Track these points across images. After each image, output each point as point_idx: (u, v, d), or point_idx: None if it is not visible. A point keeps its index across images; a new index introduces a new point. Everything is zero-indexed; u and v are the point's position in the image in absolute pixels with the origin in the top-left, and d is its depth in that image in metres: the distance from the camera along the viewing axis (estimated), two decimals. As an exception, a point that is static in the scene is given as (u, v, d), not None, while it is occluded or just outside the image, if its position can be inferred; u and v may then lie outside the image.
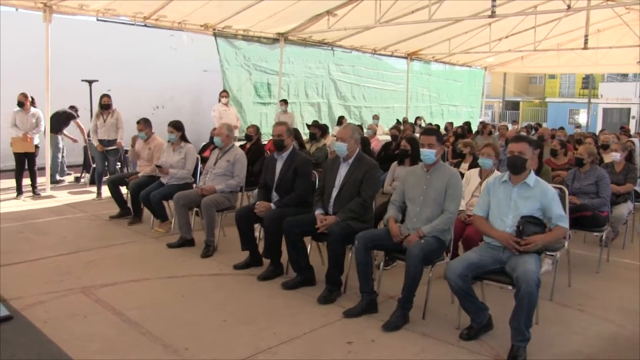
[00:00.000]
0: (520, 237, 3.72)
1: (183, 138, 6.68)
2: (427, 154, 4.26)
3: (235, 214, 5.42)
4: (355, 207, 4.57)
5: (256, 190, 6.26)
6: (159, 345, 3.67)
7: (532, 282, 3.44)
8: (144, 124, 7.14)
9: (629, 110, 32.74)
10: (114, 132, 8.51)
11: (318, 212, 4.74)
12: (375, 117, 14.89)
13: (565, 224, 3.81)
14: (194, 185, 6.49)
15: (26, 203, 8.23)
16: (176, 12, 10.23)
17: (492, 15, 9.67)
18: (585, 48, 12.67)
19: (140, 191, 6.60)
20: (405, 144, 5.85)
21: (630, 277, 5.42)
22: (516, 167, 3.86)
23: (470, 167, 6.34)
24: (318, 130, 9.12)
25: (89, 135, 9.28)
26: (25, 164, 8.60)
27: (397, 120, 15.04)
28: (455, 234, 4.48)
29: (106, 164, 8.57)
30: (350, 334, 3.89)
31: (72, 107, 10.40)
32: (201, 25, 11.31)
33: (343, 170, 4.73)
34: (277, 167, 5.28)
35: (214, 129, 8.75)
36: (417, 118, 16.22)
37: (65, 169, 10.40)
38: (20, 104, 8.57)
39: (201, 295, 4.63)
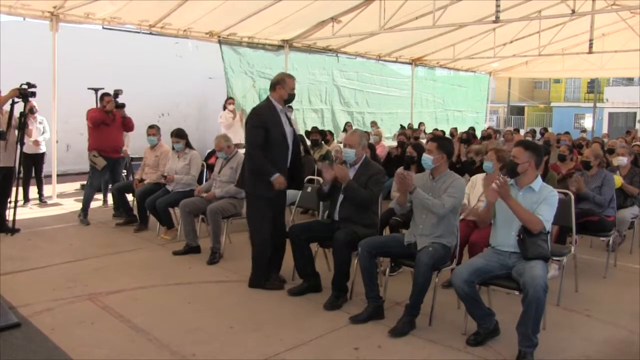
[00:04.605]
0: (522, 246, 3.73)
1: (187, 145, 6.73)
2: (424, 159, 4.36)
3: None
4: (363, 193, 4.55)
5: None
6: (166, 352, 3.68)
7: (540, 288, 3.43)
8: (157, 130, 7.25)
9: (634, 114, 32.59)
10: (120, 139, 8.54)
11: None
12: (373, 124, 14.73)
13: (545, 224, 3.73)
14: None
15: (33, 211, 8.28)
16: (181, 20, 10.31)
17: (496, 20, 9.68)
18: (590, 52, 12.57)
19: (146, 198, 6.65)
20: (411, 151, 5.86)
21: (637, 282, 5.38)
22: (509, 170, 3.94)
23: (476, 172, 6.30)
24: (319, 135, 9.16)
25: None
26: (32, 171, 8.64)
27: (401, 125, 15.05)
28: (460, 240, 4.48)
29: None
30: (356, 340, 3.89)
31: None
32: (206, 33, 11.36)
33: (349, 175, 4.73)
34: None
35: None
36: (420, 124, 16.21)
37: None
38: (32, 111, 8.57)
39: (208, 302, 4.64)
